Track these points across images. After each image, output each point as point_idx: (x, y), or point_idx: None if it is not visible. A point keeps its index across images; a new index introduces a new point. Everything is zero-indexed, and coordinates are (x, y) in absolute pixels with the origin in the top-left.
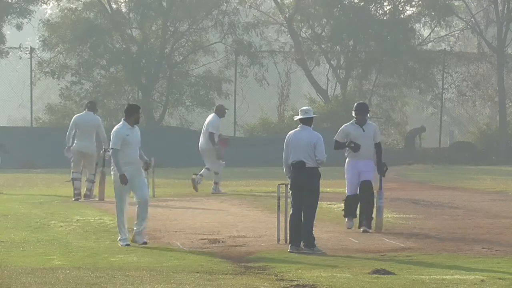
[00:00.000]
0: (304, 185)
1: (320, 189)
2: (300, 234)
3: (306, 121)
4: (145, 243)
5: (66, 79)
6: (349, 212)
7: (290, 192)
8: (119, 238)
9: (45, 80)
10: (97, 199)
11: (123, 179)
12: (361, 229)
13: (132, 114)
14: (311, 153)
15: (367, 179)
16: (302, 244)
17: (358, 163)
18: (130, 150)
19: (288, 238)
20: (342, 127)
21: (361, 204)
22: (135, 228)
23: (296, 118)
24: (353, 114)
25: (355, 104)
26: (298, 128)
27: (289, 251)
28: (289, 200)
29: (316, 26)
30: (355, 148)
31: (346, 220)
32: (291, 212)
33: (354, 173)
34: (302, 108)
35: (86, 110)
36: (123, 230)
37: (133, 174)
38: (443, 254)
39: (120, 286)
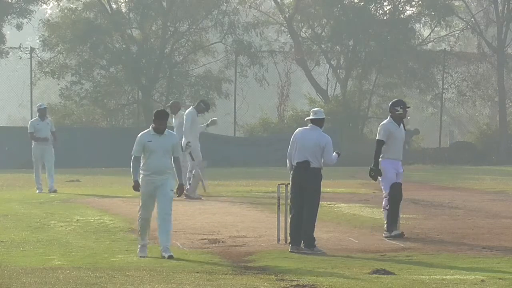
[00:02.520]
0: (307, 185)
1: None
2: (301, 234)
3: (317, 122)
4: (171, 256)
5: (66, 79)
6: (394, 218)
7: (290, 191)
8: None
9: (45, 80)
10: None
11: (135, 186)
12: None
13: (156, 120)
14: (318, 154)
15: (400, 182)
16: (302, 244)
17: (397, 163)
18: (154, 158)
19: (288, 238)
20: (383, 126)
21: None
22: (161, 245)
23: (307, 118)
24: (398, 110)
25: (398, 100)
26: (308, 127)
27: (290, 251)
28: (288, 200)
29: (316, 26)
30: (375, 177)
31: (393, 233)
32: (291, 211)
33: (394, 172)
34: (313, 109)
35: None
36: (143, 241)
37: (158, 184)
38: (443, 254)
39: (120, 286)
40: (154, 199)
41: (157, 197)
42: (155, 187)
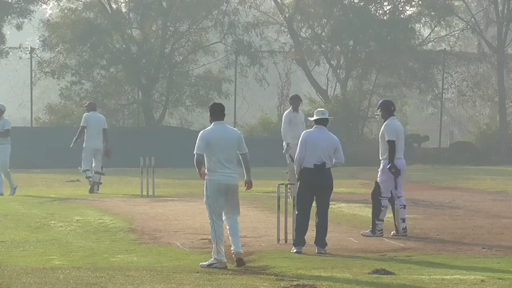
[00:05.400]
0: (325, 186)
1: None
2: (317, 233)
3: (324, 122)
4: (241, 260)
5: (66, 79)
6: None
7: (298, 192)
8: (213, 256)
9: (45, 80)
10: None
11: (202, 174)
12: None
13: (211, 114)
14: (331, 154)
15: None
16: (315, 243)
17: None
18: (218, 155)
19: (287, 238)
20: (391, 125)
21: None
22: (234, 248)
23: (312, 118)
24: (391, 109)
25: (389, 101)
26: (316, 129)
27: (295, 252)
28: (289, 200)
29: (316, 26)
30: (396, 173)
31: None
32: (298, 212)
33: None
34: (319, 109)
35: None
36: (220, 251)
37: (225, 184)
38: (443, 254)
39: (120, 286)
40: (222, 200)
41: (226, 201)
42: (222, 186)
